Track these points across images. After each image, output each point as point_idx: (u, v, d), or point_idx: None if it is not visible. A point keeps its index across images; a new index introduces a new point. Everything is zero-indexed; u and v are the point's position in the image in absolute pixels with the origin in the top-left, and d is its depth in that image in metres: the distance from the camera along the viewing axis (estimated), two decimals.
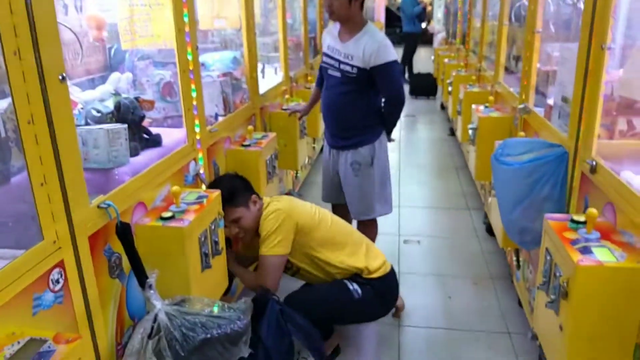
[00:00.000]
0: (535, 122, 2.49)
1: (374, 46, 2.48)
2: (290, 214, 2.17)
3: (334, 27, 2.71)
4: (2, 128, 1.54)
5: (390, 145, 2.86)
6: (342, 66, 2.59)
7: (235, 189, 2.18)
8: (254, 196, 2.23)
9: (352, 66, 2.55)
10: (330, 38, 2.70)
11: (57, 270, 1.29)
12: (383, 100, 2.67)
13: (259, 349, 1.84)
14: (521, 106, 2.63)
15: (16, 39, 1.14)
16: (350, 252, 2.24)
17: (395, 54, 2.57)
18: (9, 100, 1.58)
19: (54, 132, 1.25)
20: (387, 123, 2.74)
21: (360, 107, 2.64)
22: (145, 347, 1.44)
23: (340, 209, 2.84)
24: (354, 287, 2.20)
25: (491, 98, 3.32)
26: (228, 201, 2.09)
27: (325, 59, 2.71)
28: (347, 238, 2.30)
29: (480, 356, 2.36)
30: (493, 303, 2.75)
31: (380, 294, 2.27)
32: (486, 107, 3.20)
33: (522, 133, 2.61)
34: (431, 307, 2.74)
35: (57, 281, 1.30)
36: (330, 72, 2.67)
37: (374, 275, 2.24)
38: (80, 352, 1.17)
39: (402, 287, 2.85)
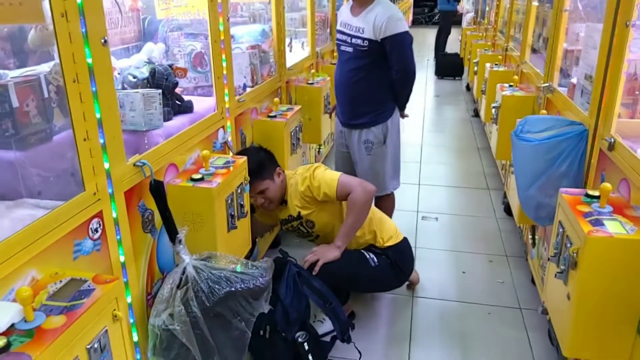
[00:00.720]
0: (558, 101, 2.50)
1: (384, 17, 2.52)
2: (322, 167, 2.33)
3: (347, 4, 2.77)
4: (46, 89, 1.65)
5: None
6: (353, 40, 2.63)
7: (262, 162, 2.26)
8: (278, 168, 2.33)
9: (364, 39, 2.59)
10: (343, 14, 2.76)
11: (96, 220, 1.40)
12: (393, 73, 2.66)
13: (277, 306, 1.95)
14: (545, 85, 2.64)
15: (64, 2, 1.23)
16: (368, 220, 2.34)
17: (406, 25, 2.60)
18: (52, 62, 1.69)
19: (96, 92, 1.35)
20: (399, 98, 2.77)
21: (372, 81, 2.67)
22: (174, 296, 1.55)
23: None
24: (370, 255, 2.30)
25: (516, 78, 3.32)
26: (255, 173, 2.17)
27: (338, 35, 2.76)
28: None
29: (491, 329, 2.43)
30: (507, 279, 2.81)
31: (395, 264, 2.36)
32: (510, 86, 3.21)
33: (544, 111, 2.63)
34: (445, 281, 2.81)
35: (96, 230, 1.41)
36: (342, 48, 2.72)
37: (388, 244, 2.34)
38: (117, 293, 1.27)
39: (417, 261, 2.94)
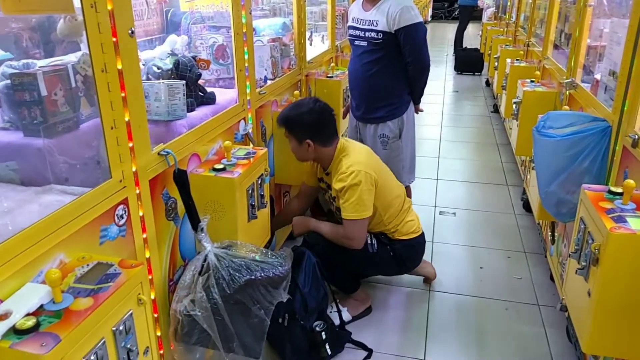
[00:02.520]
0: (581, 97, 2.47)
1: (397, 8, 2.54)
2: (370, 172, 2.19)
3: (356, 1, 2.80)
4: (73, 78, 1.68)
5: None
6: (367, 34, 2.65)
7: (294, 121, 2.23)
8: (308, 141, 2.22)
9: (378, 32, 2.60)
10: (355, 10, 2.78)
11: (121, 206, 1.43)
12: (407, 64, 2.66)
13: (296, 295, 1.97)
14: (568, 81, 2.61)
15: None
16: (394, 211, 2.34)
17: (419, 16, 2.62)
18: (79, 52, 1.73)
19: (123, 81, 1.38)
20: (414, 90, 2.78)
21: (387, 74, 2.68)
22: (195, 283, 1.59)
23: None
24: (372, 241, 2.30)
25: (538, 73, 3.29)
26: (284, 120, 2.24)
27: (350, 31, 2.78)
28: (403, 194, 2.41)
29: (508, 325, 2.42)
30: (524, 276, 2.79)
31: (398, 257, 2.35)
32: (532, 82, 3.18)
33: (566, 107, 2.60)
34: (462, 276, 2.80)
35: (122, 216, 1.44)
36: (356, 42, 2.74)
37: (399, 238, 2.34)
38: (142, 277, 1.30)
39: (434, 256, 2.94)
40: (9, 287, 1.11)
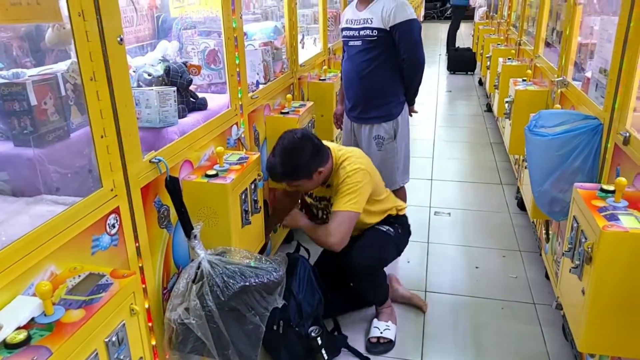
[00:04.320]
0: (572, 95, 2.48)
1: (392, 5, 2.57)
2: (372, 175, 2.22)
3: (350, 5, 2.82)
4: (63, 87, 1.67)
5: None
6: (361, 32, 2.67)
7: (299, 167, 2.09)
8: (320, 169, 2.13)
9: (372, 29, 2.63)
10: (348, 13, 2.80)
11: (113, 215, 1.42)
12: (402, 61, 2.68)
13: (290, 302, 1.96)
14: (559, 79, 2.62)
15: (80, 1, 1.25)
16: (386, 198, 2.38)
17: (413, 13, 2.64)
18: (69, 61, 1.72)
19: (113, 90, 1.37)
20: (409, 89, 2.79)
21: (382, 72, 2.70)
22: (189, 291, 1.58)
23: None
24: (385, 228, 2.33)
25: (529, 72, 3.30)
26: (289, 176, 2.09)
27: (344, 32, 2.80)
28: (384, 187, 2.44)
29: (504, 324, 2.42)
30: (520, 274, 2.79)
31: (405, 228, 2.45)
32: (524, 80, 3.19)
33: (558, 106, 2.61)
34: (458, 276, 2.80)
35: (113, 225, 1.43)
36: (350, 43, 2.76)
37: (400, 213, 2.44)
38: (134, 287, 1.29)
39: (430, 257, 2.94)
40: None
